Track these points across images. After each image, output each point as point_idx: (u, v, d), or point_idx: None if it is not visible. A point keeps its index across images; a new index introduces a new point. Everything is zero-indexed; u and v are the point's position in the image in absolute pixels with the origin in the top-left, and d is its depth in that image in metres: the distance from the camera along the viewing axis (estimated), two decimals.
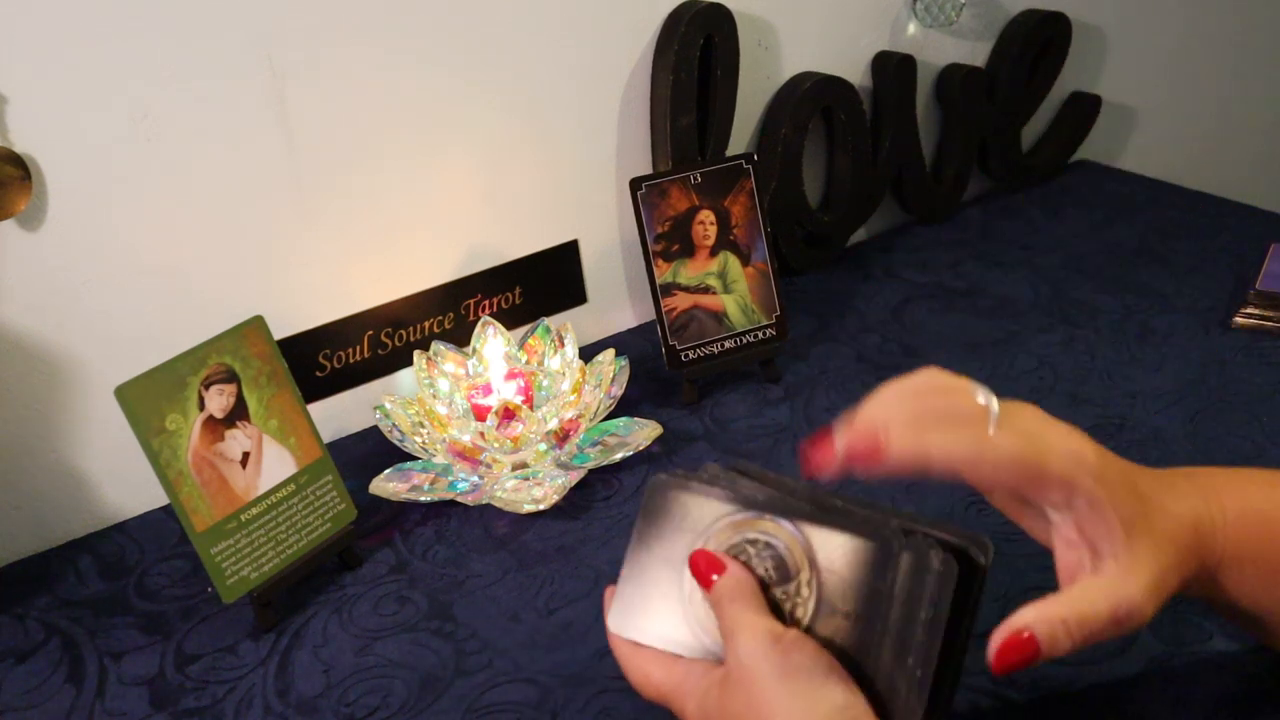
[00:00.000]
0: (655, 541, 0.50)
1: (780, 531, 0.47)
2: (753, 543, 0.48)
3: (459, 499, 0.76)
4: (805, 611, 0.46)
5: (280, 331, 0.80)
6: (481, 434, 0.76)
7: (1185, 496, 0.48)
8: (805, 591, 0.46)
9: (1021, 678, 0.59)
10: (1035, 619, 0.45)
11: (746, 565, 0.48)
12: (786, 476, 0.50)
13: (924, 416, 0.46)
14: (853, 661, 0.45)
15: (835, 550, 0.46)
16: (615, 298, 1.00)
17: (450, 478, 0.78)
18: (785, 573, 0.47)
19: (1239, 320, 0.90)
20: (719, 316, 0.87)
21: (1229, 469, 0.52)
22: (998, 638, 0.45)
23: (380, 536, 0.76)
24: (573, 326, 0.84)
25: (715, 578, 0.47)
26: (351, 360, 0.87)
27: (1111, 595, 0.44)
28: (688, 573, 0.49)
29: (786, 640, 0.44)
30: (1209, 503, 0.48)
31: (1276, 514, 0.49)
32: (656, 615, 0.50)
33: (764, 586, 0.47)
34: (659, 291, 0.85)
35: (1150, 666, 0.59)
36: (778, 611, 0.47)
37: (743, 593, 0.46)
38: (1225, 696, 0.56)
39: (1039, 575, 0.66)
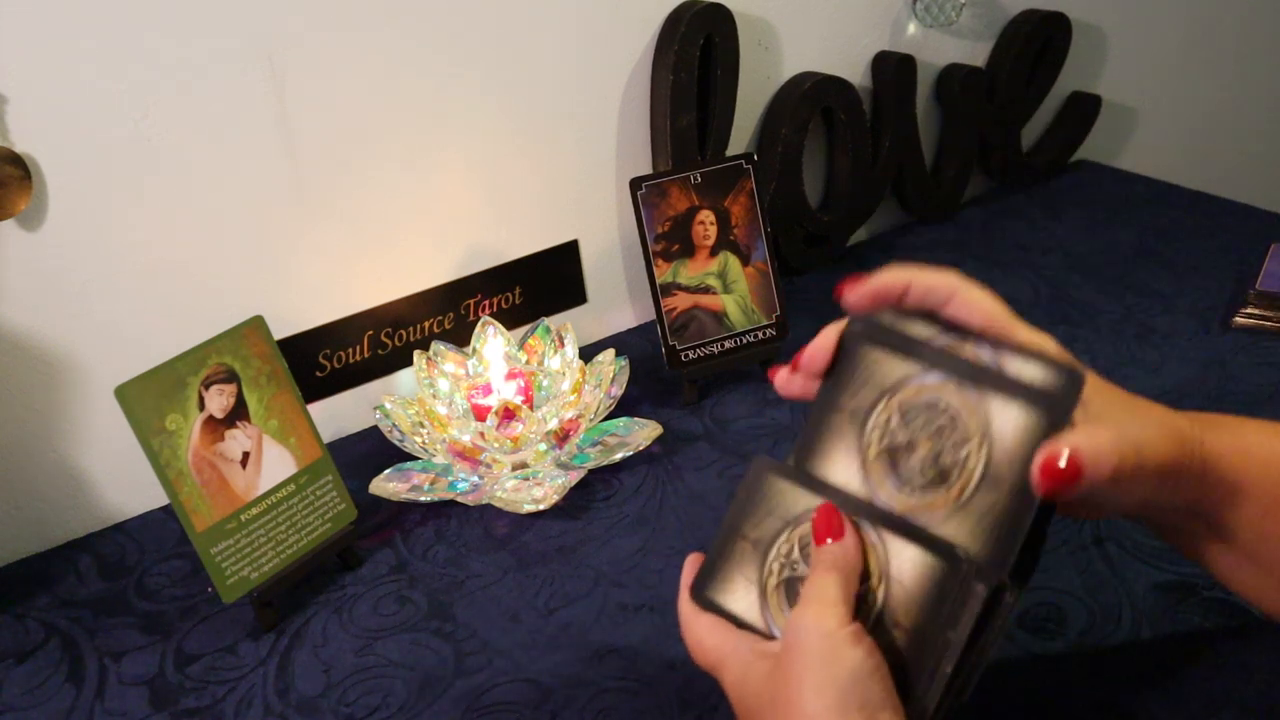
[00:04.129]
0: (745, 521, 0.51)
1: (862, 536, 0.47)
2: (931, 405, 0.48)
3: (459, 499, 0.76)
4: (867, 617, 0.46)
5: (280, 331, 0.81)
6: (481, 434, 0.76)
7: (1165, 409, 0.49)
8: (871, 598, 0.46)
9: (1022, 678, 0.59)
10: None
11: (917, 431, 0.48)
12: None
13: None
14: (896, 669, 0.45)
15: (907, 564, 0.46)
16: (615, 298, 1.00)
17: (450, 478, 0.78)
18: (960, 438, 0.47)
19: (1239, 320, 0.90)
20: (719, 316, 0.87)
21: (1227, 416, 0.52)
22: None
23: (380, 536, 0.76)
24: (573, 326, 0.84)
25: (831, 538, 0.47)
26: (351, 360, 0.87)
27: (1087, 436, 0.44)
28: (770, 556, 0.49)
29: (847, 632, 0.44)
30: (1189, 420, 0.49)
31: (1268, 451, 0.49)
32: (732, 593, 0.50)
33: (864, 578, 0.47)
34: (659, 291, 0.85)
35: (1150, 666, 0.59)
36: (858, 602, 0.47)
37: (842, 568, 0.46)
38: (1226, 696, 0.56)
39: (1041, 576, 0.66)
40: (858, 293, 0.50)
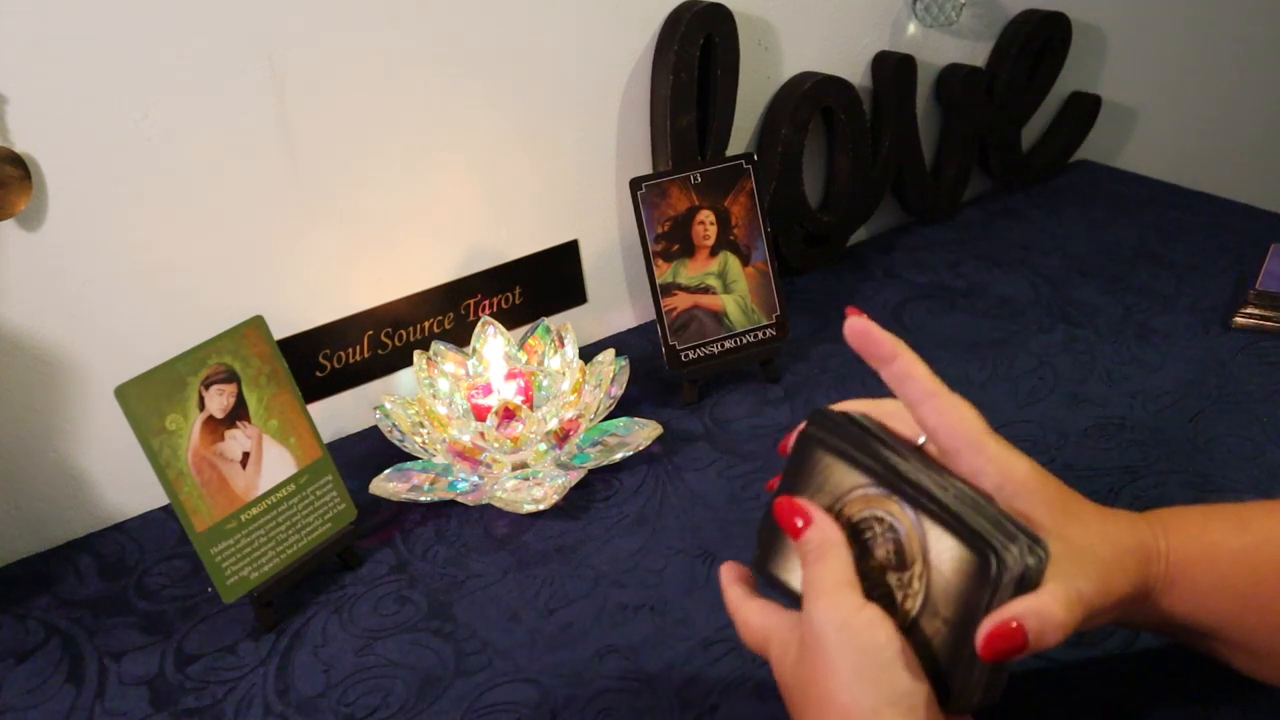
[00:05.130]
0: (799, 494, 0.51)
1: (904, 518, 0.47)
2: (879, 520, 0.48)
3: (459, 499, 0.76)
4: (914, 604, 0.46)
5: (280, 331, 0.81)
6: (481, 434, 0.76)
7: (1130, 523, 0.49)
8: (917, 585, 0.46)
9: (1022, 678, 0.59)
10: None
11: (869, 544, 0.48)
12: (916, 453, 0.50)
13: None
14: (934, 661, 0.45)
15: (945, 553, 0.45)
16: (615, 298, 1.00)
17: (450, 478, 0.78)
18: (902, 560, 0.46)
19: (1239, 320, 0.90)
20: (719, 316, 0.87)
21: (1191, 507, 0.52)
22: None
23: (380, 536, 0.76)
24: (573, 326, 0.84)
25: (799, 524, 0.48)
26: (351, 360, 0.87)
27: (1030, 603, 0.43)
28: None
29: (863, 617, 0.44)
30: (1154, 531, 0.49)
31: (1238, 545, 0.49)
32: (791, 568, 0.51)
33: (883, 570, 0.47)
34: (659, 291, 0.85)
35: (1150, 666, 0.59)
36: (889, 598, 0.47)
37: (829, 553, 0.46)
38: (1226, 697, 0.56)
39: None
40: (855, 328, 0.49)
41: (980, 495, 0.46)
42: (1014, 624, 0.42)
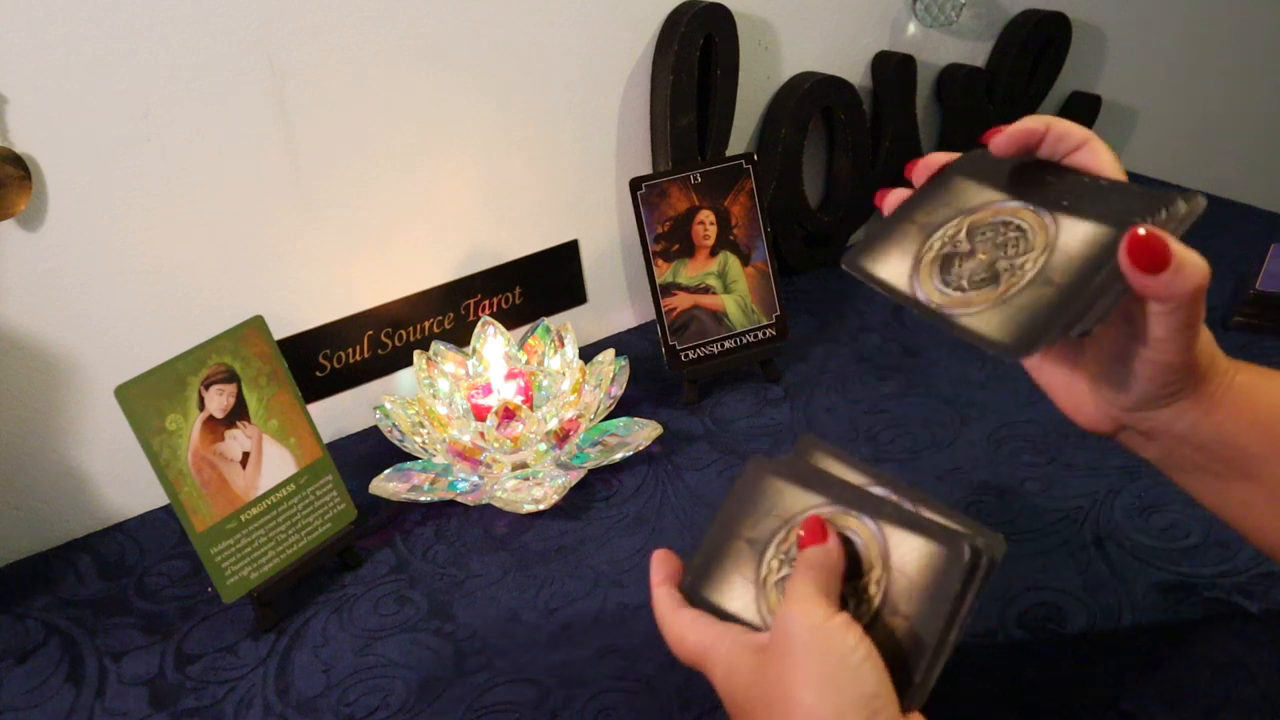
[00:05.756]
0: (742, 522, 0.51)
1: (862, 529, 0.48)
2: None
3: (459, 499, 0.76)
4: (870, 608, 0.47)
5: (280, 331, 0.81)
6: (481, 434, 0.76)
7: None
8: (874, 589, 0.47)
9: (1022, 678, 0.59)
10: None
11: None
12: (873, 467, 0.51)
13: None
14: (896, 657, 0.45)
15: (910, 553, 0.46)
16: (615, 298, 1.00)
17: (450, 478, 0.78)
18: (857, 569, 0.47)
19: (1239, 320, 0.90)
20: (719, 316, 0.87)
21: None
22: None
23: (380, 536, 0.76)
24: (573, 326, 0.84)
25: (813, 545, 0.48)
26: (351, 360, 0.87)
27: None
28: (768, 554, 0.50)
29: (835, 622, 0.44)
30: (1224, 355, 0.50)
31: None
32: (728, 592, 0.50)
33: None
34: (659, 291, 0.85)
35: (1150, 666, 0.59)
36: (843, 604, 0.47)
37: (821, 565, 0.47)
38: (1225, 696, 0.56)
39: (1041, 575, 0.66)
40: (1001, 141, 0.50)
41: (936, 507, 0.48)
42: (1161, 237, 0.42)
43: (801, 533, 0.48)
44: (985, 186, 0.51)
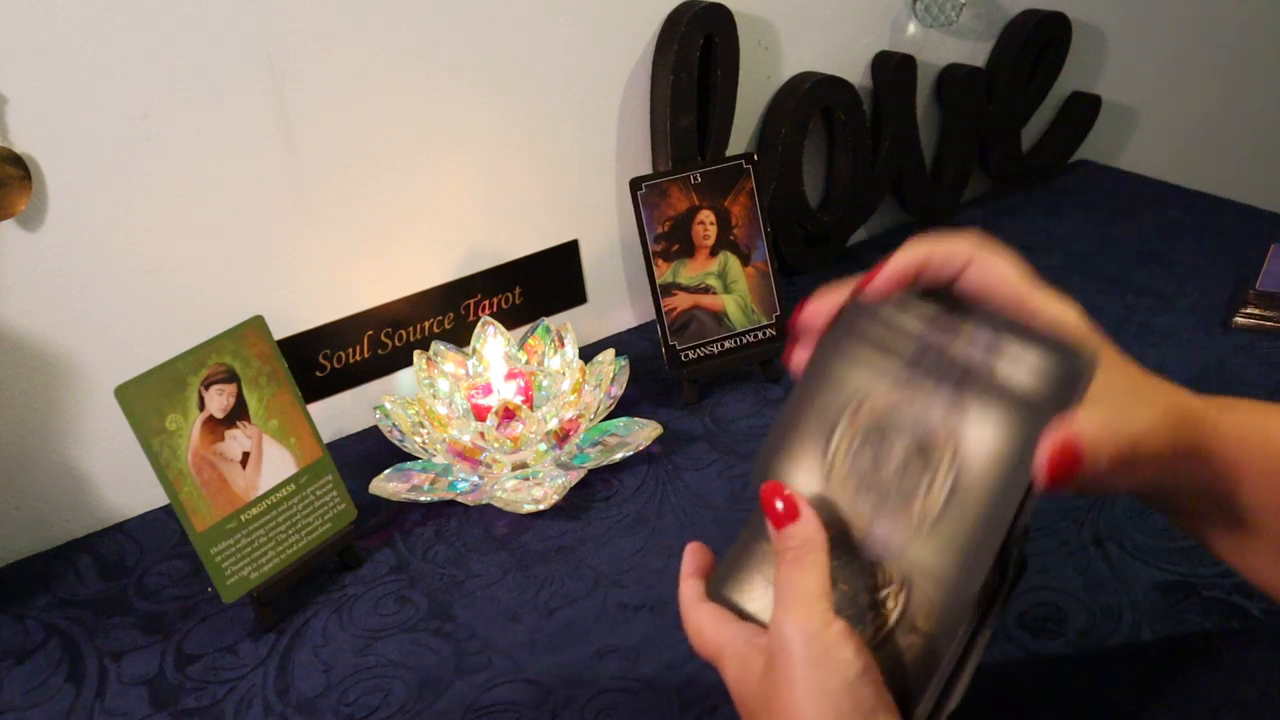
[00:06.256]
0: (766, 528, 0.50)
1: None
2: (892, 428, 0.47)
3: (459, 499, 0.76)
4: (887, 620, 0.46)
5: (280, 331, 0.81)
6: (481, 434, 0.76)
7: (1170, 388, 0.47)
8: (893, 601, 0.46)
9: (1022, 678, 0.59)
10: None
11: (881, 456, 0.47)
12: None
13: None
14: (903, 676, 0.45)
15: (982, 446, 0.45)
16: (615, 298, 1.00)
17: (450, 478, 0.78)
18: (874, 583, 0.46)
19: (1239, 320, 0.90)
20: (719, 316, 0.87)
21: (1250, 400, 0.51)
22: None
23: (380, 536, 0.76)
24: (573, 326, 0.84)
25: (780, 507, 0.46)
26: (351, 360, 0.87)
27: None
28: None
29: (832, 632, 0.43)
30: (1204, 402, 0.48)
31: None
32: (748, 592, 0.49)
33: (858, 581, 0.47)
34: (659, 291, 0.85)
35: (1150, 666, 0.59)
36: (861, 612, 0.46)
37: (807, 556, 0.45)
38: (1225, 696, 0.56)
39: (1041, 575, 0.66)
40: (875, 290, 0.48)
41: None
42: (1068, 442, 0.41)
43: (765, 504, 0.47)
44: (874, 357, 0.48)
